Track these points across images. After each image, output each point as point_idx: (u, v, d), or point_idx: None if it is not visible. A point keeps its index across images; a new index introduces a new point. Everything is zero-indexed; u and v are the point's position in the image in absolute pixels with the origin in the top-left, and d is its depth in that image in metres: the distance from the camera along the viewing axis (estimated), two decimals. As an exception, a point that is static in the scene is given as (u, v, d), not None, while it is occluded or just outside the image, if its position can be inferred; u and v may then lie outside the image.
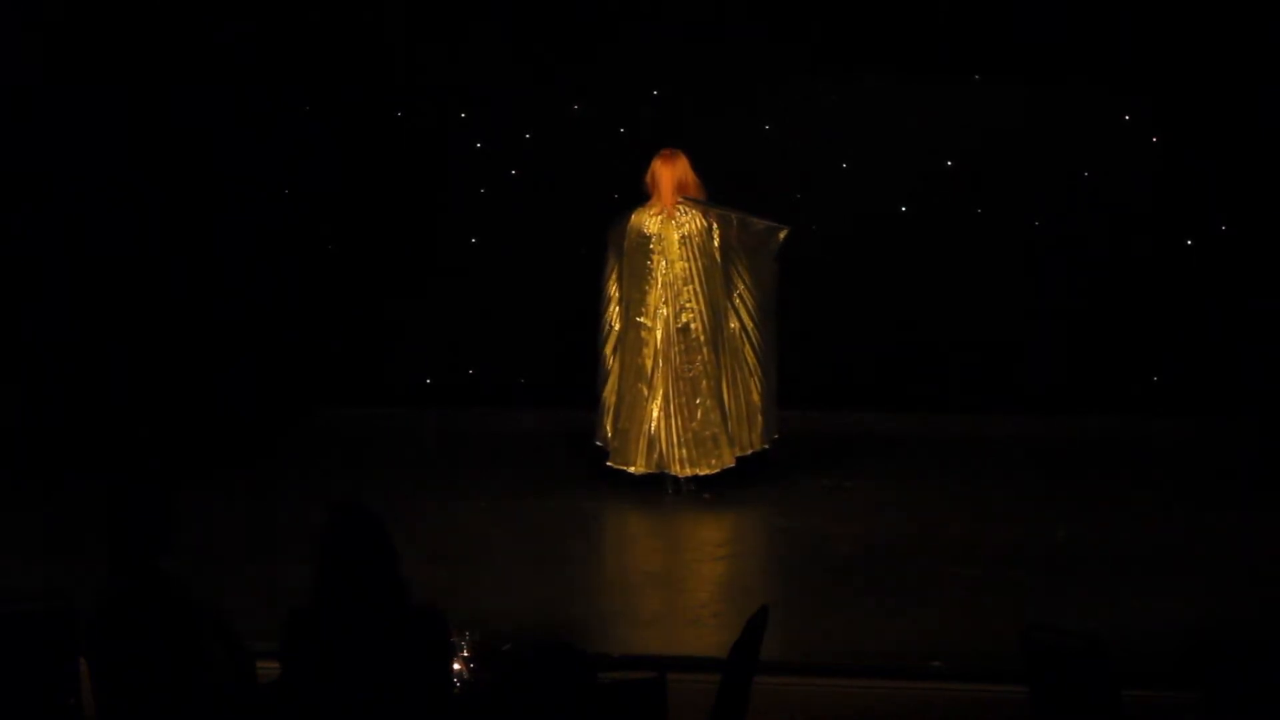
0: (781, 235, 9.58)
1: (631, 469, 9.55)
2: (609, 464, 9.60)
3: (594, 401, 9.72)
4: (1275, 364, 10.69)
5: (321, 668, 4.71)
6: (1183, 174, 10.78)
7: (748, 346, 9.55)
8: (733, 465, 9.50)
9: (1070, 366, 11.01)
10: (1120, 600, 7.59)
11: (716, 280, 9.49)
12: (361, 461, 10.56)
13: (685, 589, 8.25)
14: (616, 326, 9.64)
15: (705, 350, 9.48)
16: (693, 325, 9.47)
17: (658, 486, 9.55)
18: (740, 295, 9.53)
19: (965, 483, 9.77)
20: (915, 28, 10.83)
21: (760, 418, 9.55)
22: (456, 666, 5.27)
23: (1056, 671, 5.22)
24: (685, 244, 9.47)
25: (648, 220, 9.53)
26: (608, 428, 9.66)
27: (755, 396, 9.54)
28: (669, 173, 9.46)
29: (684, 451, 9.48)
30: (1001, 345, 11.01)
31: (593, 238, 9.84)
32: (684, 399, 9.47)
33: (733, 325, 9.53)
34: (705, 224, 9.49)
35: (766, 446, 9.61)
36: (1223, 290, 10.80)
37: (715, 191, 9.63)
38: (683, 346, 9.48)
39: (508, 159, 11.44)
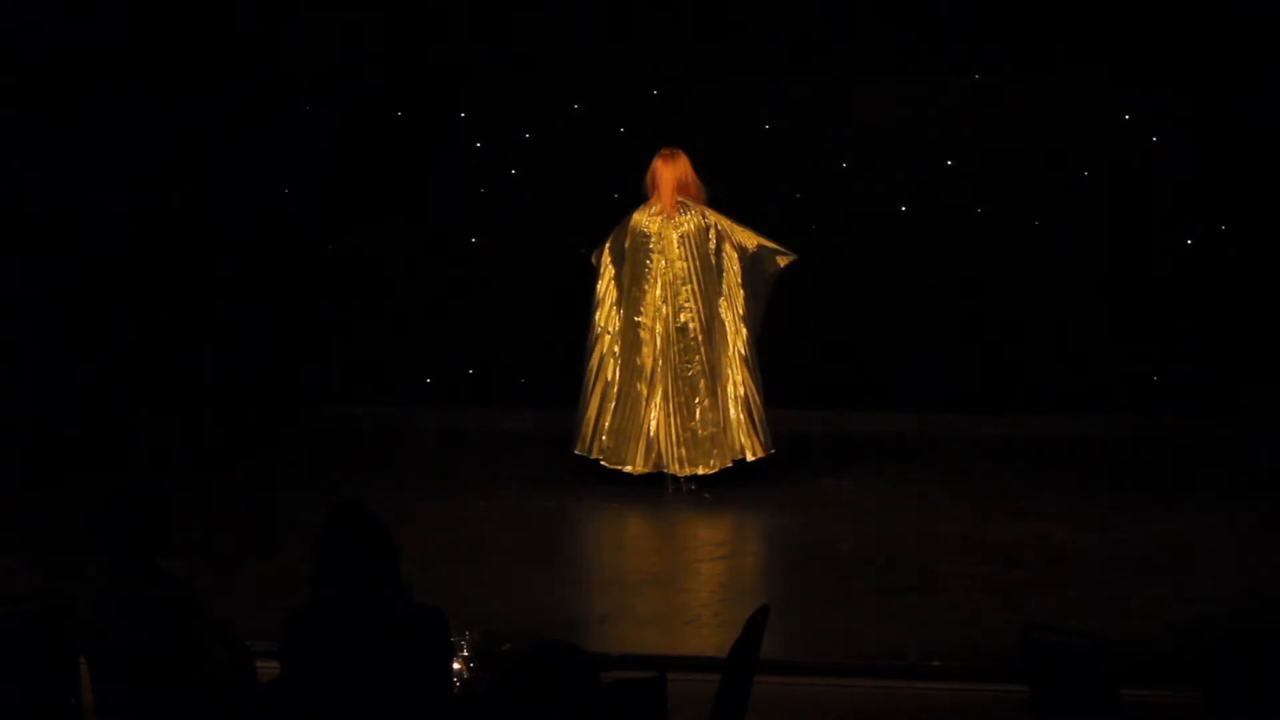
0: (783, 261, 9.54)
1: (629, 469, 9.55)
2: (605, 463, 9.59)
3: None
4: (1275, 364, 10.70)
5: (321, 668, 4.71)
6: (1183, 174, 10.78)
7: (735, 351, 9.52)
8: (730, 466, 9.49)
9: (1070, 366, 11.01)
10: (1120, 600, 7.59)
11: (713, 281, 9.49)
12: (361, 461, 10.56)
13: (685, 588, 8.25)
14: (602, 341, 9.61)
15: (703, 350, 9.48)
16: (691, 325, 9.48)
17: (657, 486, 9.56)
18: (729, 301, 9.51)
19: (965, 483, 9.77)
20: (915, 27, 10.83)
21: (756, 423, 9.53)
22: (456, 666, 5.27)
23: (1056, 671, 5.22)
24: (684, 243, 9.48)
25: (648, 219, 9.54)
26: (588, 437, 9.62)
27: (743, 401, 9.51)
28: (669, 172, 9.47)
29: (683, 451, 9.48)
30: (1002, 345, 11.01)
31: (593, 238, 9.84)
32: (683, 398, 9.48)
33: (722, 328, 9.51)
34: (704, 224, 9.49)
35: (772, 451, 9.58)
36: (1223, 290, 10.80)
37: (715, 191, 9.64)
38: (681, 346, 9.49)
39: (508, 159, 11.45)
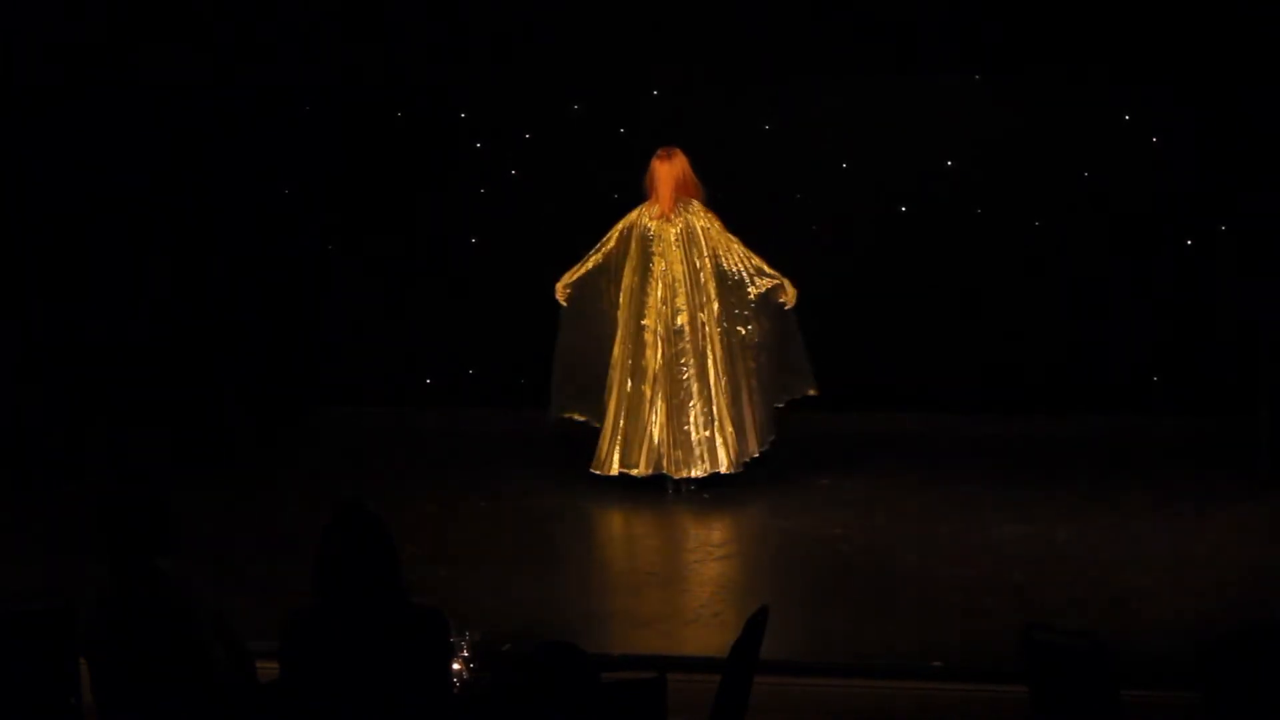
0: (764, 285, 9.47)
1: (634, 472, 9.53)
2: (620, 468, 9.56)
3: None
4: (1275, 364, 10.69)
5: (321, 669, 4.71)
6: (1183, 174, 10.78)
7: (714, 358, 9.49)
8: (722, 471, 9.46)
9: (1071, 366, 11.01)
10: (1120, 600, 7.59)
11: (707, 284, 9.48)
12: (361, 461, 10.56)
13: (685, 589, 8.25)
14: (622, 357, 9.60)
15: (696, 353, 9.46)
16: (686, 327, 9.47)
17: (658, 487, 9.55)
18: (717, 307, 9.49)
19: (965, 483, 9.77)
20: (915, 28, 10.83)
21: (731, 435, 9.49)
22: (456, 666, 5.27)
23: (1056, 671, 5.22)
24: (680, 244, 9.48)
25: (648, 221, 9.54)
26: (607, 458, 9.59)
27: (718, 412, 9.48)
28: (667, 172, 9.46)
29: (678, 453, 9.47)
30: (1001, 345, 11.01)
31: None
32: (678, 400, 9.47)
33: (710, 332, 9.48)
34: (700, 228, 9.48)
35: (737, 470, 9.53)
36: (1223, 290, 10.80)
37: (715, 192, 9.63)
38: (677, 348, 9.48)
39: (508, 159, 11.45)
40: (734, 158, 10.72)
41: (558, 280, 9.76)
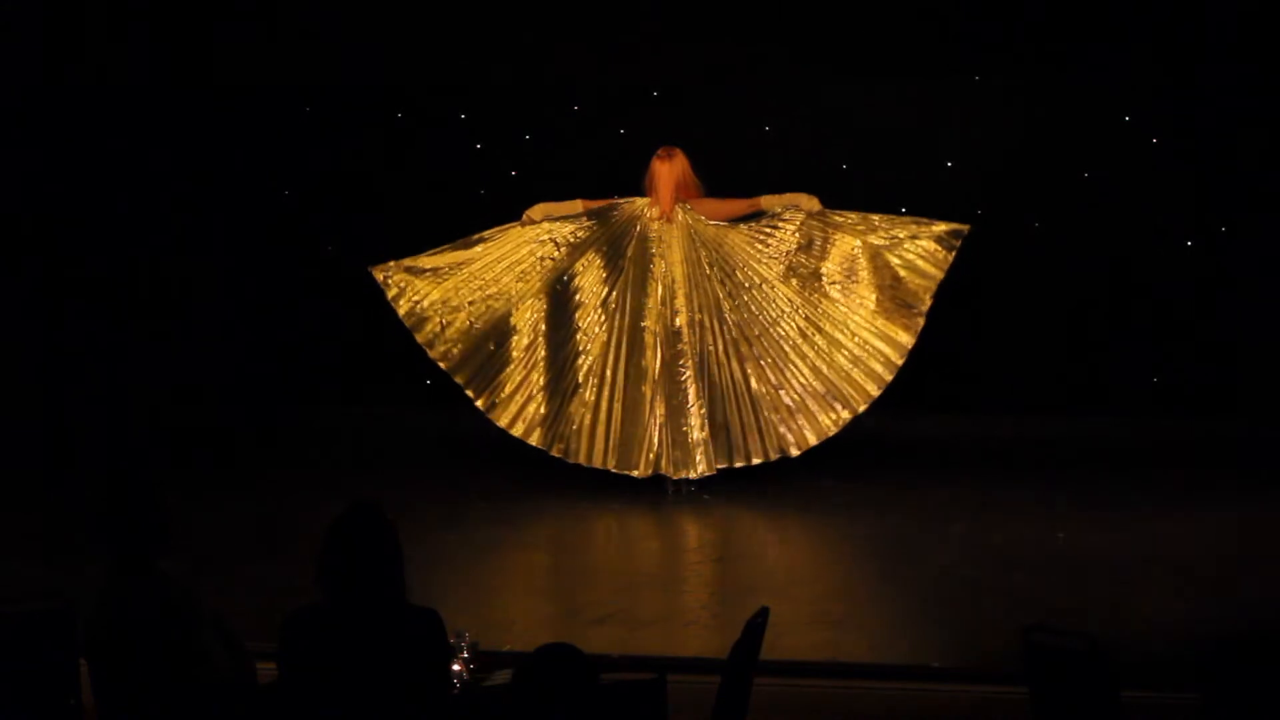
0: (782, 205, 9.51)
1: (634, 473, 9.52)
2: (614, 469, 9.54)
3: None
4: (1275, 364, 10.70)
5: (320, 670, 4.70)
6: (1183, 174, 10.78)
7: (713, 360, 9.48)
8: (713, 473, 9.45)
9: (1070, 366, 11.01)
10: (1120, 600, 7.59)
11: (703, 285, 9.48)
12: (361, 461, 10.56)
13: (685, 589, 8.24)
14: (602, 347, 9.57)
15: (695, 355, 9.45)
16: (685, 328, 9.47)
17: (658, 488, 9.55)
18: (717, 310, 9.49)
19: (966, 483, 9.77)
20: (915, 27, 10.83)
21: (725, 437, 9.47)
22: (456, 667, 5.27)
23: (1056, 671, 5.22)
24: (681, 244, 9.48)
25: (648, 221, 9.54)
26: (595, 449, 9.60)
27: (721, 411, 9.47)
28: (668, 171, 9.46)
29: (677, 454, 9.47)
30: (1002, 345, 11.01)
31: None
32: (677, 402, 9.46)
33: (707, 334, 9.48)
34: (700, 226, 9.49)
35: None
36: (1222, 290, 10.80)
37: (715, 192, 9.63)
38: (676, 349, 9.48)
39: (508, 159, 11.45)
40: (734, 158, 10.72)
41: (538, 204, 9.70)
